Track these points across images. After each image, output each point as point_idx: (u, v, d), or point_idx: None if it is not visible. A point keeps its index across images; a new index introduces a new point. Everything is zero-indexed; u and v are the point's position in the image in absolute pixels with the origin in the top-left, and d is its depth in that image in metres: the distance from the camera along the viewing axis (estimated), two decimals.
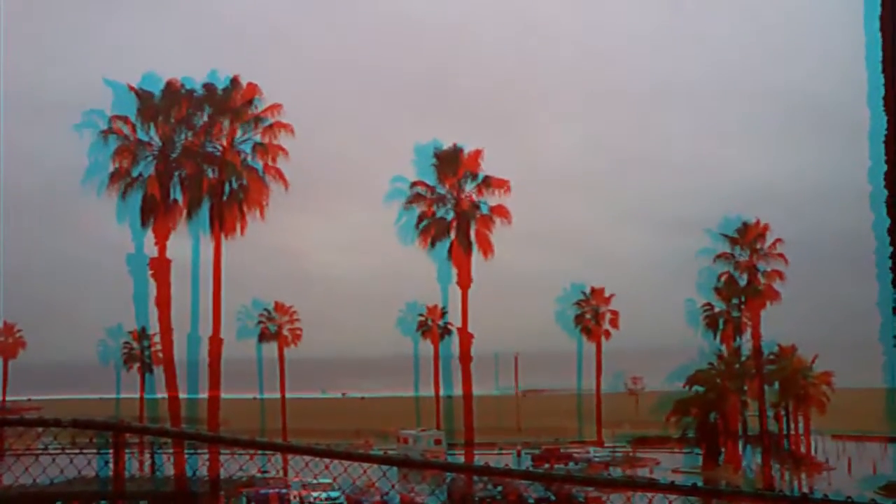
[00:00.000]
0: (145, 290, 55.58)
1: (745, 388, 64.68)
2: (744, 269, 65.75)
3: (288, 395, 77.44)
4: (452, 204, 61.84)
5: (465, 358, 61.37)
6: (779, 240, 65.52)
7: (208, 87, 53.83)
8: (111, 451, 6.61)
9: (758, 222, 65.92)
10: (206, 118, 53.74)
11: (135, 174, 52.59)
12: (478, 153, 62.12)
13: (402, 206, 62.22)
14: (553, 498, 48.63)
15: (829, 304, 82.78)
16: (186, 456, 49.43)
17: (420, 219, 61.84)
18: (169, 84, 53.55)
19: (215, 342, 52.90)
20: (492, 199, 61.58)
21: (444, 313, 77.59)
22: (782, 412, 68.41)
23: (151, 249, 52.92)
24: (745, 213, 67.15)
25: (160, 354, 59.93)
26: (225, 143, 53.82)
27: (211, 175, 52.94)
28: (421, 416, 78.37)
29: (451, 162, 61.82)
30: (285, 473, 50.99)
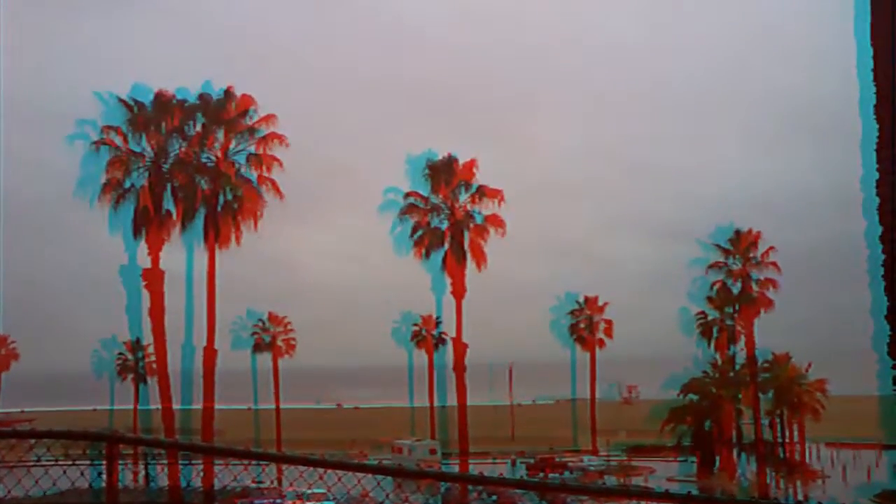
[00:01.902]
0: (139, 301, 55.48)
1: (740, 396, 64.73)
2: (737, 278, 65.84)
3: (282, 405, 77.28)
4: (446, 214, 61.89)
5: (460, 368, 61.35)
6: (771, 248, 65.66)
7: (203, 97, 53.85)
8: (104, 462, 6.59)
9: (750, 231, 66.06)
10: (199, 129, 53.76)
11: (127, 185, 52.55)
12: (472, 163, 62.24)
13: (397, 216, 62.31)
14: None
15: (823, 312, 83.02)
16: (181, 466, 49.26)
17: (414, 229, 61.86)
18: (160, 95, 53.52)
19: (209, 353, 52.82)
20: (486, 209, 61.69)
21: (438, 323, 77.57)
22: (777, 420, 68.40)
23: (144, 260, 52.88)
24: (737, 221, 67.35)
25: (154, 365, 59.84)
26: (219, 153, 53.83)
27: (204, 186, 52.92)
28: (415, 426, 78.23)
29: (445, 172, 61.89)
30: (280, 484, 50.82)
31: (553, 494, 47.84)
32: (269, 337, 78.80)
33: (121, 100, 53.65)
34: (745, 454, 64.05)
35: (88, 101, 56.10)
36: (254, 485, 50.04)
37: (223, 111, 53.55)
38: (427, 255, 61.41)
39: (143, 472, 59.33)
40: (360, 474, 6.91)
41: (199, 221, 52.54)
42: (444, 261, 61.10)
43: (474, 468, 60.16)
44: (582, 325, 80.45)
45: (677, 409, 63.93)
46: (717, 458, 62.97)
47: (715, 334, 67.04)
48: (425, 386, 78.42)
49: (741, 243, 65.76)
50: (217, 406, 54.24)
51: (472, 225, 61.37)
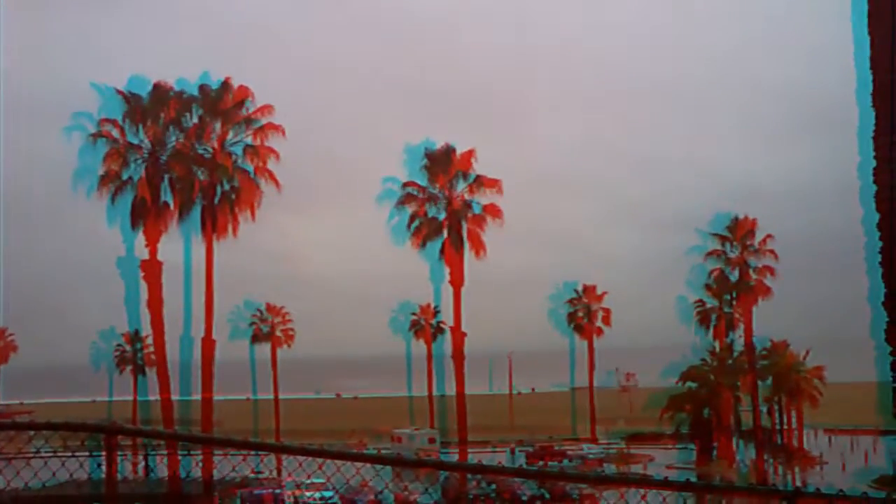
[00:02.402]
0: (137, 293, 55.51)
1: (738, 383, 64.86)
2: (735, 266, 65.92)
3: (281, 395, 77.36)
4: (444, 204, 61.88)
5: (458, 357, 61.44)
6: (769, 236, 65.70)
7: (203, 88, 53.73)
8: (104, 453, 6.59)
9: (747, 218, 66.10)
10: (196, 120, 53.68)
11: (124, 177, 52.51)
12: (470, 153, 62.20)
13: (394, 205, 62.30)
14: (547, 495, 48.72)
15: (821, 299, 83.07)
16: (180, 457, 49.35)
17: (412, 218, 61.87)
18: (157, 86, 53.42)
19: (208, 343, 52.87)
20: (484, 198, 61.68)
21: (436, 312, 77.60)
22: (775, 407, 68.59)
23: (142, 252, 52.88)
24: (735, 209, 67.40)
25: (153, 356, 59.89)
26: (216, 144, 53.76)
27: (202, 177, 52.88)
28: (414, 415, 78.36)
29: (442, 161, 61.86)
30: (279, 474, 50.93)
31: (552, 482, 48.00)
32: (267, 327, 78.83)
33: (118, 91, 53.57)
34: (744, 441, 64.23)
35: (85, 94, 56.03)
36: (253, 475, 50.18)
37: (220, 102, 53.47)
38: (424, 244, 61.45)
39: (142, 464, 59.47)
40: (359, 464, 6.92)
41: (196, 212, 52.54)
42: (442, 250, 61.13)
43: (473, 457, 60.34)
44: (580, 314, 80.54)
45: (676, 396, 64.06)
46: (716, 445, 63.13)
47: (713, 322, 67.18)
48: (424, 375, 78.57)
49: (739, 231, 65.82)
50: (216, 397, 54.35)
51: (470, 214, 61.37)
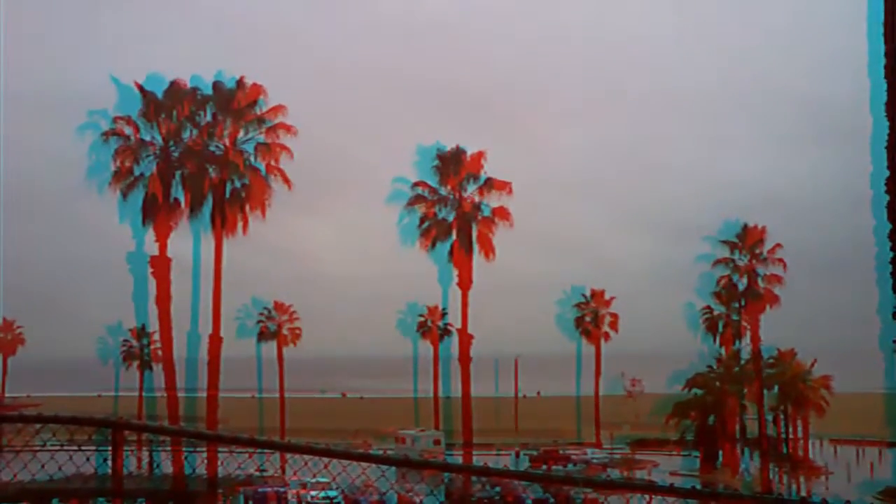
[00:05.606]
0: (145, 288, 55.68)
1: (744, 391, 64.67)
2: (743, 274, 65.76)
3: (287, 394, 77.42)
4: (454, 205, 61.86)
5: (465, 359, 61.39)
6: (778, 244, 65.52)
7: (217, 86, 53.78)
8: (110, 448, 6.61)
9: (756, 226, 65.93)
10: (209, 118, 53.75)
11: (136, 173, 52.61)
12: (480, 155, 62.16)
13: (404, 206, 62.32)
14: (551, 499, 48.63)
15: (829, 309, 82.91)
16: (185, 454, 49.45)
17: (421, 220, 61.87)
18: (173, 83, 53.53)
19: (215, 340, 52.92)
20: (493, 200, 61.65)
21: (444, 314, 77.54)
22: (781, 416, 68.34)
23: (152, 248, 52.99)
24: (745, 217, 67.28)
25: (159, 352, 60.01)
26: (228, 142, 53.83)
27: (213, 174, 52.94)
28: (420, 417, 78.33)
29: (453, 163, 61.86)
30: (283, 472, 50.98)
31: (556, 487, 47.93)
32: (274, 325, 78.87)
33: (137, 85, 53.61)
34: (749, 449, 64.03)
35: (100, 91, 56.32)
36: (258, 473, 50.26)
37: (233, 100, 53.52)
38: (433, 245, 61.46)
39: (147, 459, 59.59)
40: (364, 464, 6.91)
41: (206, 209, 52.61)
42: (450, 252, 61.12)
43: (478, 459, 60.24)
44: (588, 319, 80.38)
45: (682, 403, 63.92)
46: (721, 453, 62.95)
47: (720, 329, 67.03)
48: (430, 377, 78.52)
49: (748, 239, 65.63)
50: (221, 394, 54.39)
51: (479, 217, 61.34)
